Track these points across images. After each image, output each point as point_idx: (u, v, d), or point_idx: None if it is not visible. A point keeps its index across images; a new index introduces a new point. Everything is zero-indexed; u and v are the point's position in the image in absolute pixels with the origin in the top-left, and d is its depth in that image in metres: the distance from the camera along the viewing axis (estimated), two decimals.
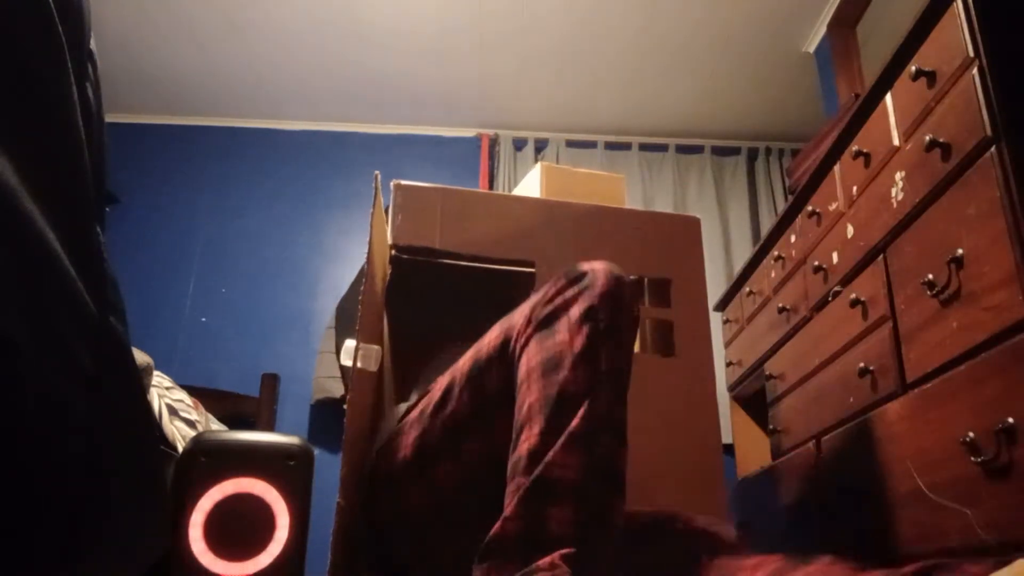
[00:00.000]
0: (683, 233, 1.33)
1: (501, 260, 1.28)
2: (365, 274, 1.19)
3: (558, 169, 1.90)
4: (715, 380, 1.24)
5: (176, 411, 1.61)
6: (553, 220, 1.28)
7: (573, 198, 1.40)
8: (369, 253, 1.18)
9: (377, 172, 1.22)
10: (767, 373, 1.92)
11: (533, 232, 1.27)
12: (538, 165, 1.84)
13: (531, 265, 1.25)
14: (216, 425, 1.92)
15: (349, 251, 3.18)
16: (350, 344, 1.09)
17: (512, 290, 1.46)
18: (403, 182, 1.26)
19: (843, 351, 1.50)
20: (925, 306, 1.20)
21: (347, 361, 1.09)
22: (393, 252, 1.27)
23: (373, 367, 1.15)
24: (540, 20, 2.77)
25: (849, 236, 1.51)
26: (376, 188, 1.18)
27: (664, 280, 1.29)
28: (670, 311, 1.27)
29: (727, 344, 2.33)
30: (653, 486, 1.15)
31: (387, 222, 1.30)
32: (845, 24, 2.67)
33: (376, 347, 1.14)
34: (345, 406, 1.05)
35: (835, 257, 1.57)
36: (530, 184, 1.87)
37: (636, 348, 1.41)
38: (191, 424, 1.62)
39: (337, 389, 2.78)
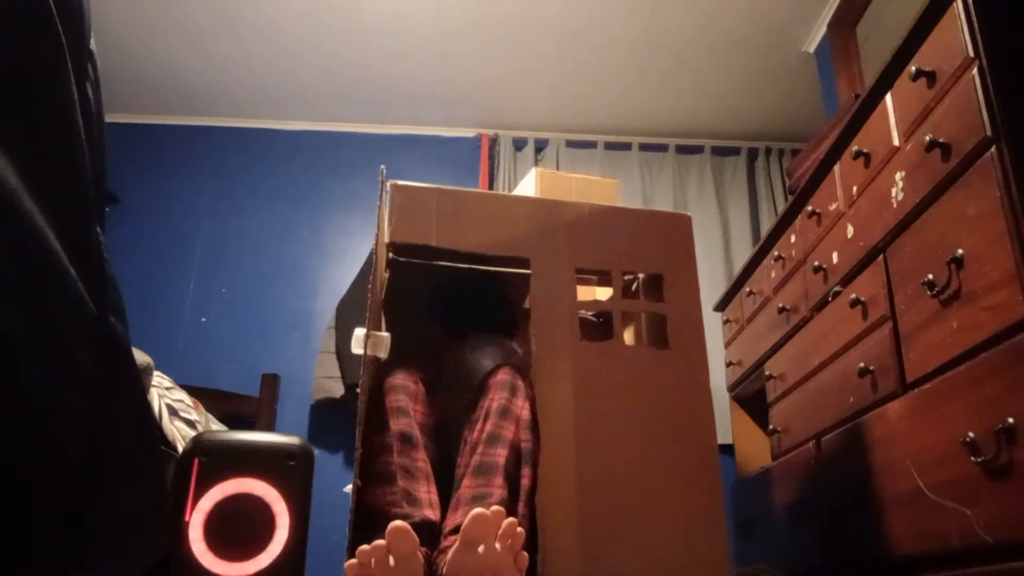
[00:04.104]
0: (675, 229, 1.34)
1: (497, 259, 1.28)
2: (374, 264, 1.19)
3: (553, 174, 1.92)
4: (709, 372, 1.25)
5: (176, 411, 1.61)
6: (548, 219, 1.29)
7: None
8: (377, 245, 1.18)
9: (383, 167, 1.23)
10: (767, 373, 1.92)
11: (528, 231, 1.27)
12: (533, 170, 1.85)
13: (527, 264, 1.25)
14: (216, 425, 1.92)
15: (349, 251, 3.18)
16: (360, 332, 1.10)
17: (509, 289, 1.47)
18: (399, 182, 1.26)
19: (843, 351, 1.50)
20: (925, 306, 1.20)
21: (358, 349, 1.09)
22: (391, 254, 1.27)
23: (383, 355, 1.15)
24: (540, 20, 2.77)
25: (849, 236, 1.51)
26: (382, 183, 1.19)
27: (657, 275, 1.31)
28: (663, 305, 1.28)
29: (727, 344, 2.33)
30: (648, 478, 1.15)
31: (385, 221, 1.30)
32: (845, 24, 2.67)
33: (386, 334, 1.14)
34: (358, 390, 1.06)
35: (835, 257, 1.58)
36: (525, 189, 1.89)
37: (631, 342, 1.42)
38: (191, 424, 1.62)
39: (337, 389, 2.78)
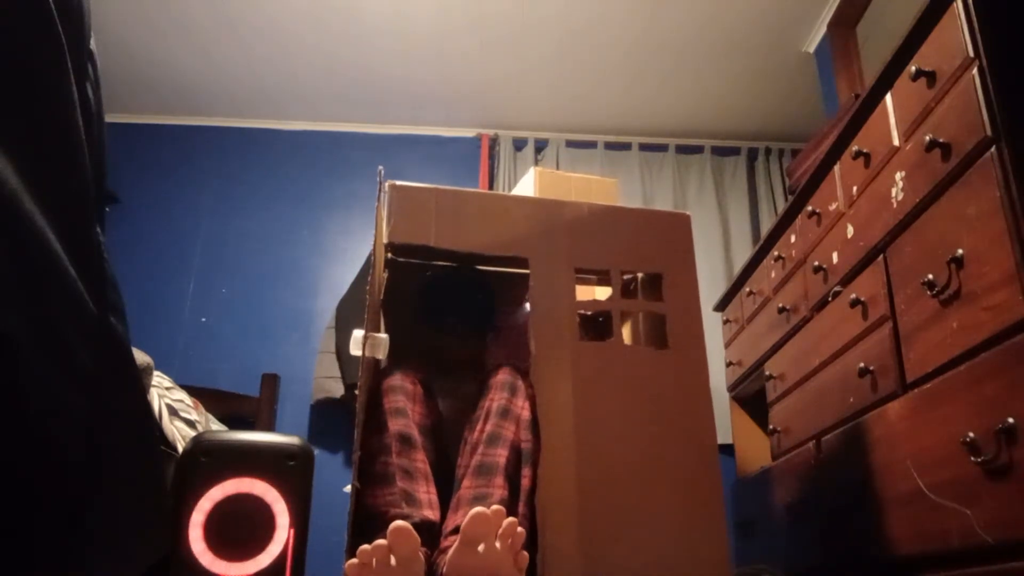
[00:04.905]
0: (674, 229, 1.34)
1: (496, 259, 1.28)
2: (372, 265, 1.19)
3: (551, 173, 1.91)
4: (708, 372, 1.25)
5: (176, 411, 1.61)
6: (547, 219, 1.29)
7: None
8: (375, 246, 1.18)
9: (381, 168, 1.23)
10: (767, 373, 1.92)
11: (528, 231, 1.27)
12: (532, 170, 1.84)
13: (525, 264, 1.25)
14: (216, 425, 1.92)
15: (349, 251, 3.18)
16: (358, 334, 1.10)
17: (508, 289, 1.47)
18: (398, 183, 1.26)
19: (843, 351, 1.50)
20: (925, 306, 1.20)
21: (356, 351, 1.09)
22: (389, 254, 1.27)
23: (381, 356, 1.15)
24: (540, 20, 2.77)
25: (849, 236, 1.51)
26: (380, 183, 1.19)
27: (656, 275, 1.30)
28: (663, 304, 1.28)
29: (727, 344, 2.33)
30: (648, 478, 1.15)
31: (383, 221, 1.30)
32: (845, 24, 2.67)
33: (384, 336, 1.14)
34: (356, 391, 1.06)
35: (835, 257, 1.58)
36: (524, 188, 1.88)
37: (629, 341, 1.42)
38: (191, 424, 1.62)
39: (337, 389, 2.77)
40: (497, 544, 0.90)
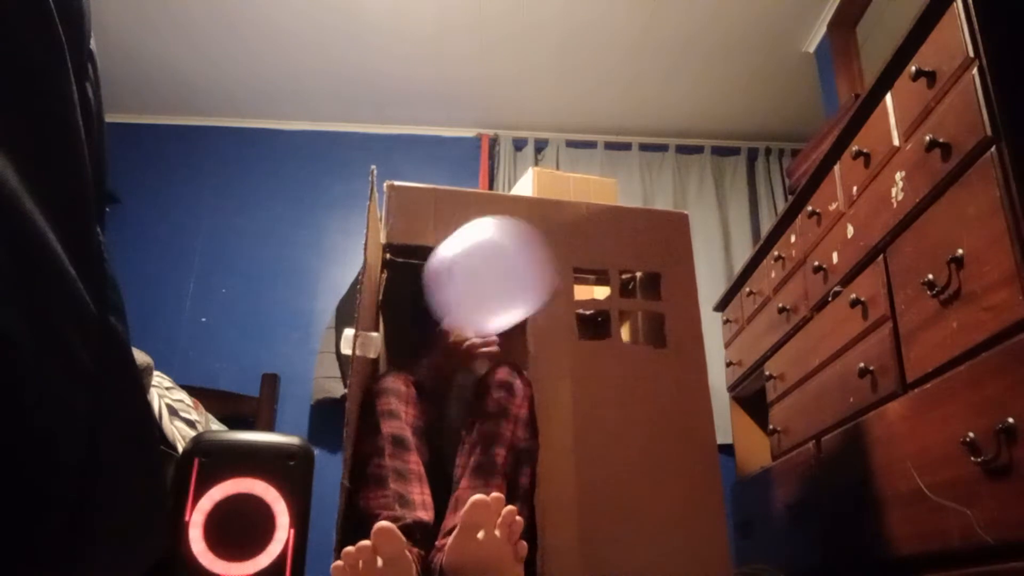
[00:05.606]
0: (673, 228, 1.34)
1: None
2: (363, 265, 1.19)
3: (551, 173, 1.91)
4: (706, 371, 1.25)
5: (176, 411, 1.61)
6: (546, 219, 1.29)
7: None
8: (366, 246, 1.19)
9: (373, 167, 1.23)
10: (767, 373, 1.92)
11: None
12: (530, 170, 1.85)
13: None
14: (216, 425, 1.92)
15: (349, 251, 3.18)
16: (349, 333, 1.10)
17: None
18: (397, 183, 1.26)
19: (843, 351, 1.50)
20: (925, 306, 1.20)
21: (347, 350, 1.10)
22: (388, 255, 1.27)
23: (372, 354, 1.15)
24: (540, 20, 2.77)
25: (849, 236, 1.51)
26: (372, 183, 1.19)
27: (655, 274, 1.30)
28: (661, 304, 1.28)
29: (727, 344, 2.33)
30: (648, 478, 1.15)
31: (381, 221, 1.30)
32: (845, 24, 2.67)
33: (376, 334, 1.14)
34: (346, 390, 1.06)
35: (835, 257, 1.58)
36: (523, 188, 1.88)
37: (628, 340, 1.42)
38: (191, 424, 1.62)
39: (337, 389, 2.78)
40: (497, 532, 0.91)
